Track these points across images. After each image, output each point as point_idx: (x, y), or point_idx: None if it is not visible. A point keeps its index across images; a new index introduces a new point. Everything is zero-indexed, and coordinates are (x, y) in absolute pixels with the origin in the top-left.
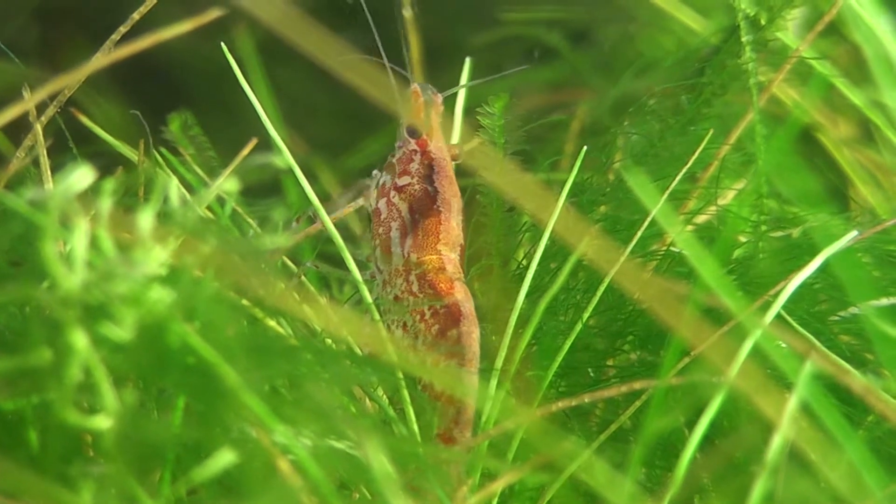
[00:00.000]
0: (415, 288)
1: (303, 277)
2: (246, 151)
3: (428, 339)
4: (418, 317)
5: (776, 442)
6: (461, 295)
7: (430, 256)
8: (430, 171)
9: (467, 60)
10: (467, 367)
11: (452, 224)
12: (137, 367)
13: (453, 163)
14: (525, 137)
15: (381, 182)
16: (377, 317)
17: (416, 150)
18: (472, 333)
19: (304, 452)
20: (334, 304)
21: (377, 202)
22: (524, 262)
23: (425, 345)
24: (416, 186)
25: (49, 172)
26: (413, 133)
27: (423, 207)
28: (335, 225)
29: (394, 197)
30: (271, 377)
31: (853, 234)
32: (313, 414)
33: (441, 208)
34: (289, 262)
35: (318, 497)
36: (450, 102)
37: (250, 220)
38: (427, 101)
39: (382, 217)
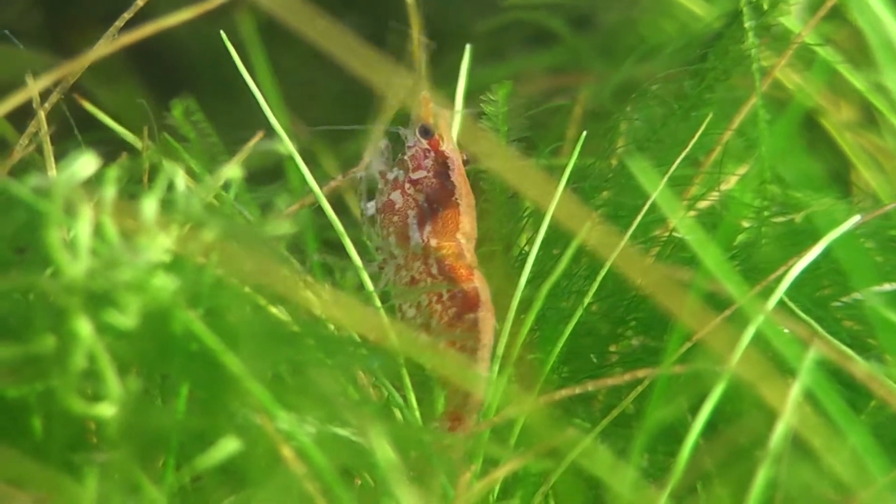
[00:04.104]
0: (434, 271)
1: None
2: (252, 143)
3: (443, 321)
4: (435, 298)
5: (779, 428)
6: (479, 282)
7: (449, 243)
8: (444, 167)
9: (468, 47)
10: (481, 352)
11: (468, 218)
12: (141, 355)
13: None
14: (527, 123)
15: (393, 177)
16: (378, 304)
17: (428, 150)
18: (489, 320)
19: (307, 439)
20: (337, 290)
21: (389, 195)
22: (527, 248)
23: (439, 327)
24: (433, 180)
25: (53, 159)
26: (426, 133)
27: (441, 199)
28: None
29: (409, 189)
30: (275, 364)
31: (855, 218)
32: (317, 400)
33: (459, 201)
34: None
35: (321, 484)
36: (451, 91)
37: (253, 208)
38: (437, 111)
39: (397, 207)
